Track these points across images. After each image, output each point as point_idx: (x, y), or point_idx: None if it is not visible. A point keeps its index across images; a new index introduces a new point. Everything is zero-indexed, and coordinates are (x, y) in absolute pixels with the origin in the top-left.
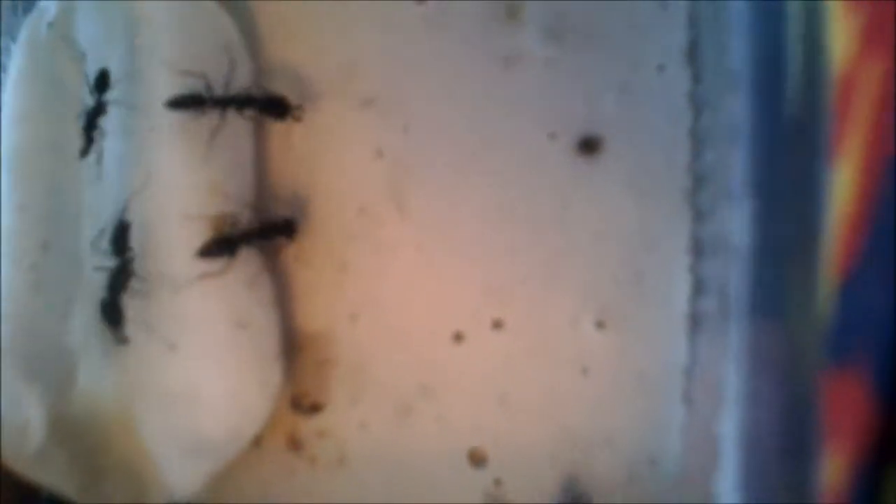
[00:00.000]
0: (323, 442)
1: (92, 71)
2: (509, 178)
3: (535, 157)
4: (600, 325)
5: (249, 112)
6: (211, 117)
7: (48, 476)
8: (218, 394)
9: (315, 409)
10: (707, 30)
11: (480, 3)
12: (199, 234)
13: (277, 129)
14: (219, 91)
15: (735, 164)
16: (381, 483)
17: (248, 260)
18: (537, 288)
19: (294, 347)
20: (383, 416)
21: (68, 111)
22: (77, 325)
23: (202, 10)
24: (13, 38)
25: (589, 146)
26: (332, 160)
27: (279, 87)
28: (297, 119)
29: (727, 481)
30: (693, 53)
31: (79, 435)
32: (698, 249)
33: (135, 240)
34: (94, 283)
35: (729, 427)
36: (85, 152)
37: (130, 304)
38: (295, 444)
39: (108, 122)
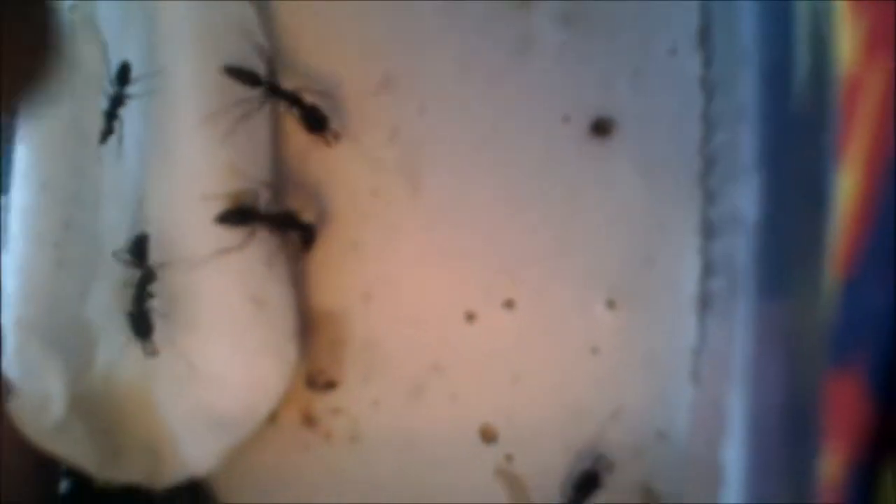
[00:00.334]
0: (337, 419)
1: (113, 56)
2: (522, 161)
3: (549, 139)
4: (610, 304)
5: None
6: (244, 100)
7: (67, 449)
8: (235, 371)
9: (329, 386)
10: (718, 14)
11: None
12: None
13: (290, 118)
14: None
15: (744, 141)
16: (393, 459)
17: (264, 239)
18: (548, 268)
19: (309, 326)
20: (396, 393)
21: (89, 92)
22: (96, 304)
23: None
24: None
25: (601, 129)
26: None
27: (295, 73)
28: (329, 143)
29: (734, 457)
30: (704, 37)
31: (98, 410)
32: (708, 231)
33: (154, 250)
34: (113, 264)
35: (736, 404)
36: (104, 139)
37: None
38: (309, 421)
39: (128, 105)
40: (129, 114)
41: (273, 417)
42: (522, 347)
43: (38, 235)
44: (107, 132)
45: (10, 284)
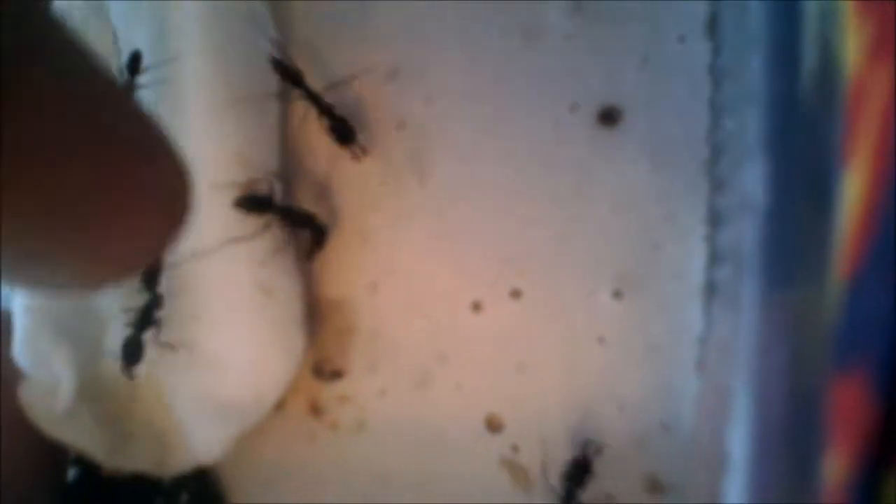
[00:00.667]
0: (343, 408)
1: (124, 45)
2: (529, 149)
3: (556, 128)
4: (617, 294)
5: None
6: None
7: (75, 437)
8: (242, 359)
9: (336, 375)
10: (728, 1)
11: None
12: (226, 203)
13: (299, 107)
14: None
15: (751, 124)
16: (399, 448)
17: (274, 229)
18: (555, 258)
19: (316, 315)
20: (402, 383)
21: None
22: (104, 294)
23: None
24: None
25: (609, 117)
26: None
27: (303, 61)
28: (356, 157)
29: (738, 446)
30: (713, 25)
31: (106, 398)
32: (715, 219)
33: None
34: None
35: (741, 393)
36: None
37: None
38: (316, 410)
39: (139, 94)
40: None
41: (280, 406)
42: (529, 337)
43: None
44: None
45: None
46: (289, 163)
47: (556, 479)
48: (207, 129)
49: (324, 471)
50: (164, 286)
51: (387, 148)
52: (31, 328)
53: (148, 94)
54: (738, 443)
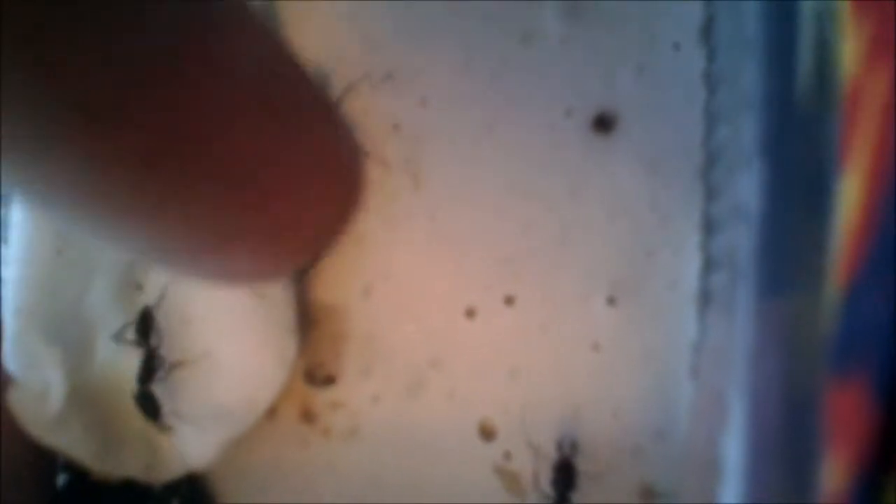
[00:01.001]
0: (336, 414)
1: None
2: (524, 155)
3: (551, 133)
4: (611, 301)
5: None
6: None
7: (65, 442)
8: (234, 363)
9: (328, 381)
10: (723, 7)
11: None
12: None
13: None
14: None
15: (746, 130)
16: (392, 455)
17: None
18: (549, 264)
19: (308, 320)
20: (395, 389)
21: None
22: (97, 294)
23: None
24: None
25: (604, 124)
26: None
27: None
28: None
29: (733, 453)
30: (708, 32)
31: (96, 403)
32: (710, 227)
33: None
34: (114, 258)
35: (736, 400)
36: None
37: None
38: (308, 416)
39: None
40: None
41: (271, 412)
42: (523, 343)
43: (39, 223)
44: None
45: (10, 273)
46: None
47: (547, 485)
48: None
49: (316, 477)
50: (157, 337)
51: (381, 151)
52: (21, 332)
53: None
54: (734, 450)
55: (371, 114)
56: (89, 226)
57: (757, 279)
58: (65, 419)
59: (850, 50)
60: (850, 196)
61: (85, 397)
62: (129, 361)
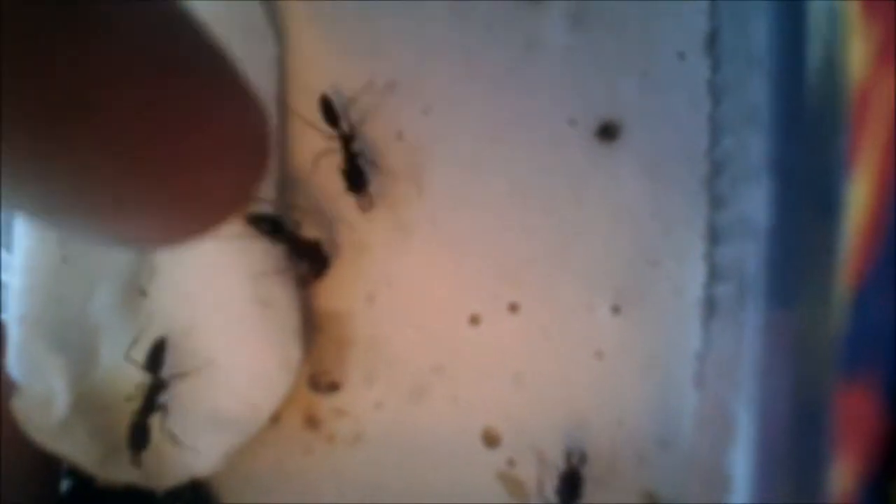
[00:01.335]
0: (340, 420)
1: None
2: (528, 163)
3: (555, 142)
4: (615, 309)
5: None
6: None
7: (69, 449)
8: (238, 370)
9: (332, 387)
10: (727, 18)
11: None
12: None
13: (298, 118)
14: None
15: (754, 145)
16: (395, 461)
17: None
18: (554, 272)
19: (313, 327)
20: (399, 395)
21: None
22: (100, 302)
23: None
24: None
25: (608, 132)
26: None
27: (303, 72)
28: (363, 207)
29: (741, 464)
30: (713, 41)
31: (100, 409)
32: (714, 236)
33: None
34: (118, 264)
35: (743, 410)
36: None
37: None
38: (312, 422)
39: None
40: None
41: (276, 418)
42: (527, 351)
43: (43, 232)
44: None
45: (15, 281)
46: (288, 175)
47: (552, 493)
48: None
49: (320, 483)
50: (167, 371)
51: (385, 159)
52: (25, 339)
53: None
54: (741, 459)
55: (375, 122)
56: None
57: (766, 290)
58: (69, 426)
59: (858, 54)
60: (858, 199)
61: (89, 404)
62: (133, 368)
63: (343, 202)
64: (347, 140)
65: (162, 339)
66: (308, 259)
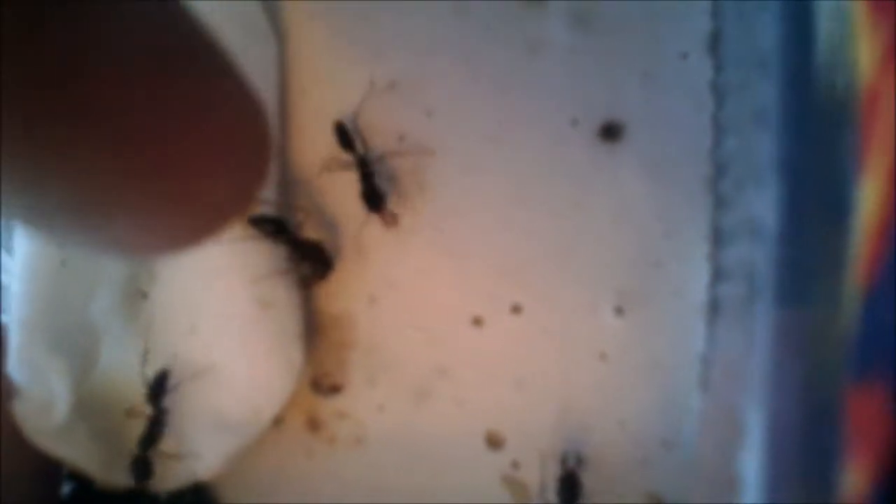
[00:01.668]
0: (342, 423)
1: None
2: (531, 164)
3: (557, 143)
4: (619, 311)
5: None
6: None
7: (70, 452)
8: (240, 373)
9: (334, 390)
10: (730, 18)
11: None
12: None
13: (299, 118)
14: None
15: (762, 148)
16: (398, 464)
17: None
18: (557, 273)
19: (314, 329)
20: (401, 398)
21: None
22: (101, 305)
23: None
24: None
25: (611, 133)
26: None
27: (303, 73)
28: (386, 223)
29: (751, 467)
30: (716, 42)
31: (101, 412)
32: (718, 237)
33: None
34: (119, 267)
35: (752, 414)
36: None
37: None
38: (314, 425)
39: None
40: None
41: (278, 421)
42: (529, 353)
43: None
44: None
45: (16, 285)
46: (289, 177)
47: (553, 496)
48: None
49: (321, 486)
50: (167, 402)
51: (386, 160)
52: (26, 343)
53: None
54: (750, 461)
55: (376, 123)
56: None
57: (776, 292)
58: (70, 429)
59: (866, 54)
60: (868, 199)
61: (89, 407)
62: (134, 370)
63: (345, 203)
64: (364, 164)
65: (164, 371)
66: (310, 261)
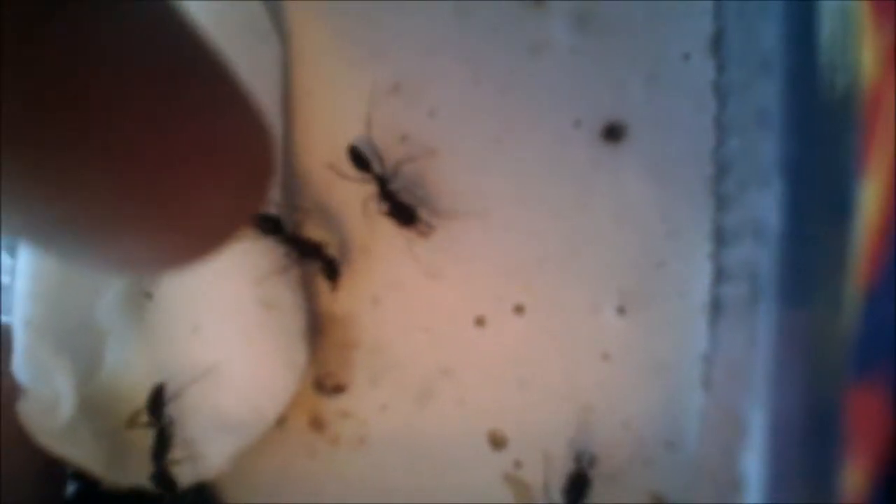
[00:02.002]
0: (345, 423)
1: None
2: (533, 165)
3: (560, 143)
4: (621, 311)
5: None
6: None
7: (75, 452)
8: (243, 373)
9: (337, 390)
10: (732, 19)
11: None
12: None
13: (303, 118)
14: (378, 169)
15: (765, 148)
16: (401, 464)
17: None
18: (559, 273)
19: (317, 329)
20: (404, 398)
21: None
22: (105, 305)
23: None
24: None
25: (613, 133)
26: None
27: (306, 73)
28: (422, 234)
29: (753, 466)
30: (718, 43)
31: (106, 412)
32: (720, 237)
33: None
34: None
35: (755, 413)
36: None
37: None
38: (317, 425)
39: None
40: None
41: (281, 421)
42: (532, 353)
43: None
44: None
45: (20, 285)
46: (292, 179)
47: (558, 495)
48: None
49: (324, 486)
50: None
51: (389, 161)
52: (31, 343)
53: None
54: (752, 461)
55: (379, 124)
56: None
57: (778, 292)
58: (74, 429)
59: (869, 55)
60: (870, 199)
61: (94, 407)
62: (138, 370)
63: (347, 204)
64: (383, 182)
65: (160, 386)
66: (311, 260)
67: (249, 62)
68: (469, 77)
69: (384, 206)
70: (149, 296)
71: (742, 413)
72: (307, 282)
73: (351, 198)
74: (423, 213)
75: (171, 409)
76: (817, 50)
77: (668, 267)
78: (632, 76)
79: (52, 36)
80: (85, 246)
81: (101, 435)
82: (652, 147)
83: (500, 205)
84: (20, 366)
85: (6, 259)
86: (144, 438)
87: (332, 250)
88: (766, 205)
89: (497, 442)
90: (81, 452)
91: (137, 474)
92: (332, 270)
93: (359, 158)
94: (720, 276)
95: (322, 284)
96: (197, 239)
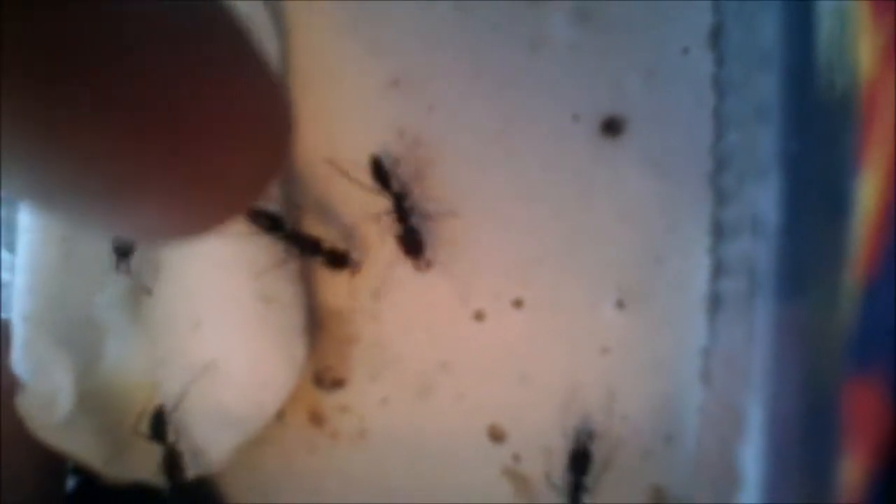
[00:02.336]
0: (344, 417)
1: None
2: (532, 160)
3: (559, 138)
4: (620, 305)
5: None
6: None
7: (74, 446)
8: (242, 367)
9: (337, 384)
10: (731, 13)
11: None
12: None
13: (302, 114)
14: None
15: (763, 143)
16: (401, 458)
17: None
18: (558, 268)
19: (317, 324)
20: (404, 392)
21: None
22: (105, 300)
23: None
24: None
25: (612, 128)
26: (355, 140)
27: (306, 70)
28: (420, 268)
29: (751, 459)
30: (717, 37)
31: (105, 406)
32: (719, 231)
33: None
34: None
35: (753, 407)
36: None
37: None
38: (317, 419)
39: None
40: None
41: (280, 416)
42: (531, 347)
43: (46, 229)
44: None
45: (19, 280)
46: (291, 174)
47: (559, 485)
48: None
49: (324, 480)
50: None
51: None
52: (30, 337)
53: None
54: (751, 454)
55: (378, 119)
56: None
57: (777, 286)
58: (74, 423)
59: (867, 51)
60: (867, 194)
61: (94, 401)
62: (138, 364)
63: (347, 200)
64: (400, 201)
65: (160, 408)
66: (313, 253)
67: None
68: (468, 72)
69: (397, 229)
70: (148, 290)
71: (741, 407)
72: (307, 276)
73: (351, 195)
74: (427, 248)
75: (171, 409)
76: (816, 44)
77: (667, 261)
78: (631, 71)
79: (76, 8)
80: (109, 210)
81: (100, 430)
82: (651, 141)
83: (499, 199)
84: (19, 360)
85: (6, 255)
86: (145, 434)
87: (338, 244)
88: (764, 199)
89: (496, 436)
90: (80, 447)
91: (137, 469)
92: (338, 260)
93: (380, 171)
94: (719, 270)
95: (322, 279)
96: (220, 203)
